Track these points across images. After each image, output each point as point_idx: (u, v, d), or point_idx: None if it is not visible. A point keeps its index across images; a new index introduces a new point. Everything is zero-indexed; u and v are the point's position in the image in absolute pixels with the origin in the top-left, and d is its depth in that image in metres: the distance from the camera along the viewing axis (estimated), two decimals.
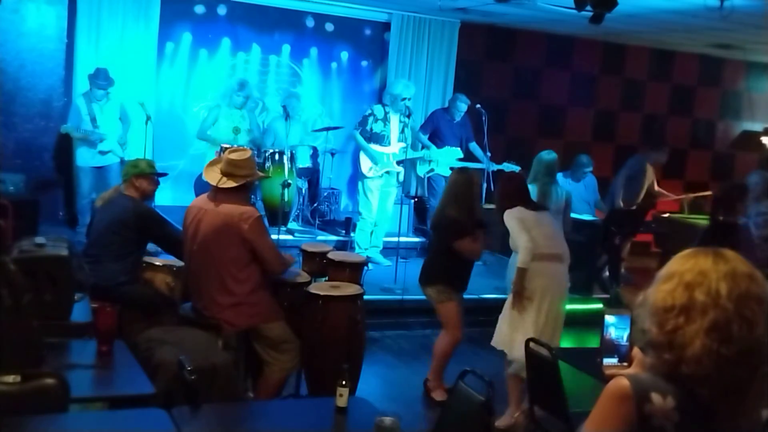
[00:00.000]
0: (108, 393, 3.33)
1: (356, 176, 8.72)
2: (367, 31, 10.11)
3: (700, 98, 12.09)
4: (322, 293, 4.59)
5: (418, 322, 6.78)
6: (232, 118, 8.46)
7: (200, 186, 7.72)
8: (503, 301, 6.47)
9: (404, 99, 8.13)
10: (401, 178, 8.59)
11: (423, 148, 8.88)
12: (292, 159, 8.27)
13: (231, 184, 4.34)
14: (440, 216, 5.37)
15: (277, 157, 8.25)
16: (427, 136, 9.00)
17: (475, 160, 8.79)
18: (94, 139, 7.77)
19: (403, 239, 7.89)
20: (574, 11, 6.74)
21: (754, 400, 1.69)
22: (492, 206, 9.58)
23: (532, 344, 4.21)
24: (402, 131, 8.34)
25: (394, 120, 8.30)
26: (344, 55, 9.98)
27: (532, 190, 6.13)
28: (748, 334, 1.65)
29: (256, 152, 8.16)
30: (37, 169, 8.39)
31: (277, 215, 7.51)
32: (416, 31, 9.82)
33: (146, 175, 5.04)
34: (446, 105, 9.37)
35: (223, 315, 4.29)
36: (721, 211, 6.23)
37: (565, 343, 6.98)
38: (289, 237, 8.12)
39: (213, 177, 4.42)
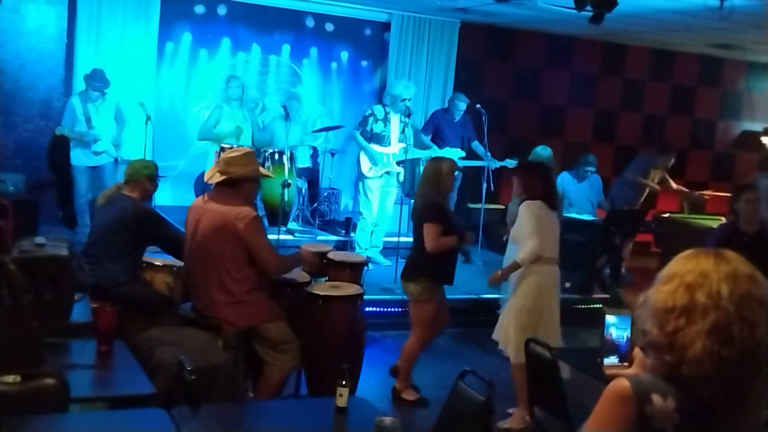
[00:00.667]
0: (108, 393, 3.33)
1: (356, 176, 8.71)
2: (367, 31, 10.11)
3: (700, 98, 12.10)
4: (322, 293, 4.59)
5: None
6: (235, 119, 8.45)
7: (200, 186, 7.71)
8: (503, 300, 6.48)
9: (404, 100, 8.13)
10: (401, 178, 8.59)
11: (425, 148, 8.88)
12: (292, 159, 8.27)
13: (218, 178, 4.35)
14: (416, 201, 5.39)
15: (277, 157, 8.25)
16: (429, 137, 9.02)
17: (478, 158, 8.80)
18: (88, 140, 7.78)
19: (403, 239, 7.87)
20: (574, 11, 6.74)
21: (754, 401, 1.69)
22: (495, 206, 9.63)
23: (532, 344, 4.21)
24: (402, 131, 8.33)
25: (395, 120, 8.30)
26: (344, 55, 9.99)
27: None
28: (749, 336, 1.65)
29: (256, 152, 8.15)
30: (37, 169, 8.39)
31: (277, 215, 7.51)
32: (416, 31, 9.82)
33: (155, 176, 5.08)
34: (446, 105, 9.38)
35: (222, 314, 4.29)
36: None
37: (565, 343, 6.99)
38: (289, 237, 8.12)
39: (208, 175, 4.46)
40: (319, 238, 8.39)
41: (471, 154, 8.91)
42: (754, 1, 6.90)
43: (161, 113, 8.91)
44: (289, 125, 8.40)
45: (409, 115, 8.27)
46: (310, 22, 9.72)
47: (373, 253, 8.27)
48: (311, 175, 8.94)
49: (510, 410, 5.02)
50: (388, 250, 8.43)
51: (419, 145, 9.02)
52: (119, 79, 8.38)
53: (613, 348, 3.89)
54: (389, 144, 8.26)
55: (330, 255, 5.22)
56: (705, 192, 9.92)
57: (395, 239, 7.79)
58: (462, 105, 8.96)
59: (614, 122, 11.59)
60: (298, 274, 4.91)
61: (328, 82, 9.99)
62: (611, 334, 3.89)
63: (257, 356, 4.42)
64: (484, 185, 8.68)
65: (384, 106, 8.36)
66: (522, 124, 10.85)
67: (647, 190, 9.06)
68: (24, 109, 8.32)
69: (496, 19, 9.67)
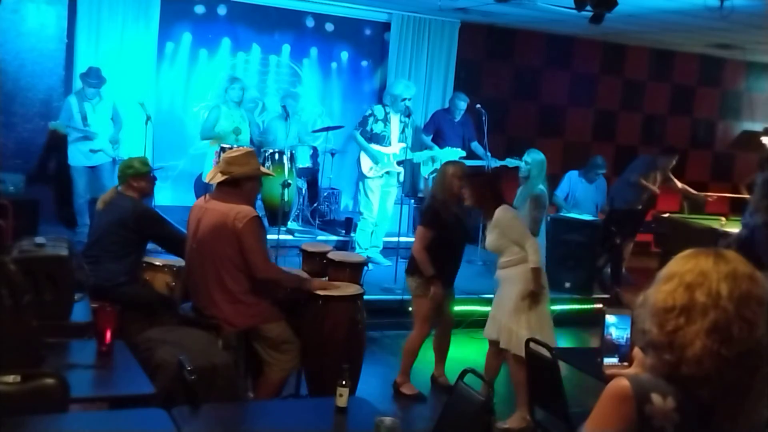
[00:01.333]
0: (108, 393, 3.33)
1: (357, 176, 8.72)
2: (367, 31, 10.11)
3: (700, 98, 12.10)
4: (322, 293, 4.59)
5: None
6: (233, 119, 8.43)
7: (200, 186, 7.72)
8: None
9: (404, 99, 8.14)
10: (401, 178, 8.60)
11: (426, 148, 8.89)
12: (292, 159, 8.27)
13: (219, 178, 4.35)
14: (424, 202, 5.48)
15: (277, 157, 8.25)
16: (430, 137, 9.03)
17: (478, 158, 8.81)
18: (87, 133, 7.75)
19: (403, 239, 7.88)
20: (574, 11, 6.75)
21: (754, 401, 1.69)
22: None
23: (532, 344, 4.21)
24: (402, 131, 8.34)
25: (395, 120, 8.30)
26: (344, 55, 9.99)
27: (526, 192, 6.14)
28: (749, 336, 1.65)
29: (255, 152, 8.15)
30: (37, 169, 8.39)
31: (277, 215, 7.50)
32: (416, 31, 9.83)
33: (142, 174, 5.03)
34: (447, 105, 9.38)
35: (222, 314, 4.29)
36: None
37: (566, 343, 7.00)
38: (289, 237, 8.12)
39: (209, 176, 4.45)
40: (319, 238, 8.39)
41: (471, 154, 8.91)
42: (754, 1, 6.90)
43: (161, 113, 8.92)
44: (289, 125, 8.40)
45: (409, 115, 8.27)
46: (310, 22, 9.72)
47: (373, 253, 8.28)
48: (311, 175, 8.95)
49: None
50: (388, 250, 8.44)
51: (420, 145, 9.03)
52: (119, 79, 8.39)
53: (613, 348, 3.89)
54: (389, 144, 8.27)
55: (330, 255, 5.23)
56: (708, 194, 9.89)
57: (395, 239, 7.80)
58: (462, 104, 8.96)
59: (614, 122, 11.59)
60: (299, 272, 4.91)
61: (328, 82, 10.00)
62: (611, 334, 3.89)
63: (257, 356, 4.42)
64: None
65: (384, 106, 8.37)
66: (522, 124, 10.85)
67: (647, 193, 9.05)
68: (24, 109, 8.33)
69: (496, 19, 9.67)
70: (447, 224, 5.32)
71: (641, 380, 1.71)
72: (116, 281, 4.78)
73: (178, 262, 5.00)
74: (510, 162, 8.64)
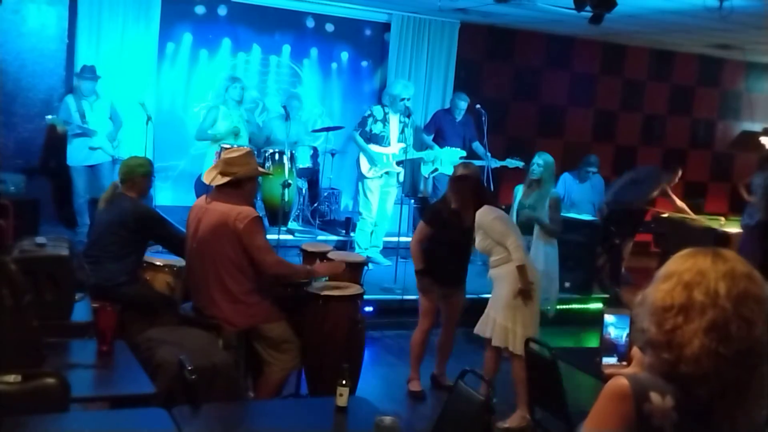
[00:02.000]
0: (108, 393, 3.34)
1: (356, 176, 8.73)
2: (367, 32, 10.12)
3: (699, 98, 12.10)
4: (322, 293, 4.59)
5: (418, 321, 6.80)
6: (232, 119, 8.43)
7: (200, 186, 7.72)
8: None
9: (403, 99, 8.14)
10: (401, 178, 8.60)
11: (426, 148, 8.90)
12: (292, 159, 8.28)
13: (220, 180, 4.35)
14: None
15: (277, 157, 8.26)
16: (431, 137, 9.03)
17: (478, 158, 8.81)
18: (85, 130, 7.73)
19: (403, 239, 7.88)
20: (574, 11, 6.75)
21: (753, 399, 1.70)
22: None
23: (531, 344, 4.22)
24: (402, 132, 8.34)
25: (394, 121, 8.31)
26: (344, 56, 9.99)
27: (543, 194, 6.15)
28: (747, 334, 1.65)
29: (256, 152, 8.16)
30: (38, 169, 8.39)
31: (277, 215, 7.51)
32: (416, 31, 9.83)
33: (142, 174, 5.04)
34: (447, 105, 9.39)
35: (222, 314, 4.30)
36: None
37: (565, 343, 7.01)
38: (290, 237, 8.12)
39: (209, 177, 4.45)
40: (319, 238, 8.40)
41: (472, 154, 8.92)
42: (754, 2, 6.90)
43: (162, 113, 8.92)
44: (289, 125, 8.41)
45: (409, 115, 8.28)
46: (310, 23, 9.72)
47: (373, 253, 8.28)
48: (311, 175, 8.95)
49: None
50: (388, 250, 8.45)
51: (420, 145, 9.03)
52: (120, 79, 8.40)
53: (611, 347, 3.90)
54: (388, 144, 8.27)
55: (330, 255, 5.24)
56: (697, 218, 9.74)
57: (395, 239, 7.81)
58: (463, 104, 8.97)
59: (614, 122, 11.59)
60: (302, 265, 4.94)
61: (328, 82, 10.00)
62: (610, 334, 3.90)
63: (257, 356, 4.42)
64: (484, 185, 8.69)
65: (383, 106, 8.37)
66: (522, 124, 10.86)
67: (643, 200, 9.03)
68: (24, 109, 8.33)
69: (496, 20, 9.67)
70: (447, 223, 5.35)
71: (640, 379, 1.72)
72: (117, 281, 4.78)
73: (179, 262, 5.01)
74: (510, 162, 8.66)
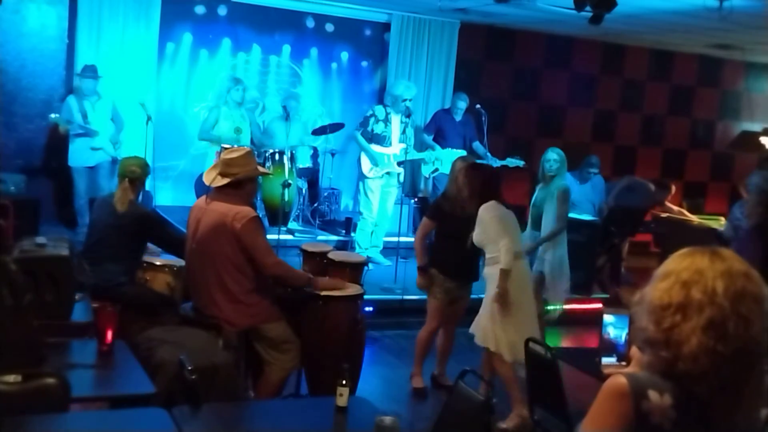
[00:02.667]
0: (108, 393, 3.34)
1: (356, 176, 8.73)
2: (367, 32, 10.12)
3: (699, 98, 12.11)
4: (322, 293, 4.59)
5: (418, 321, 6.78)
6: (233, 119, 8.45)
7: (201, 186, 7.71)
8: None
9: (405, 100, 8.15)
10: (402, 178, 8.61)
11: (427, 148, 8.90)
12: (292, 159, 8.28)
13: (220, 181, 4.35)
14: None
15: (277, 157, 8.27)
16: (431, 137, 9.04)
17: (478, 158, 8.81)
18: (87, 130, 7.72)
19: (403, 239, 7.90)
20: (574, 11, 6.75)
21: (751, 398, 1.70)
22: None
23: (531, 344, 4.22)
24: (403, 132, 8.35)
25: (395, 121, 8.31)
26: (344, 56, 10.00)
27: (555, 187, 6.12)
28: (745, 332, 1.66)
29: (256, 152, 8.17)
30: (38, 169, 8.39)
31: (278, 215, 7.52)
32: (416, 31, 9.83)
33: (145, 174, 5.07)
34: (447, 105, 9.39)
35: (222, 314, 4.30)
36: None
37: (565, 343, 7.01)
38: (290, 237, 8.13)
39: (209, 178, 4.45)
40: (319, 238, 8.40)
41: (472, 154, 8.92)
42: (754, 2, 6.91)
43: (162, 113, 8.92)
44: (289, 125, 8.41)
45: (409, 116, 8.29)
46: (310, 23, 9.73)
47: (373, 253, 8.29)
48: (311, 175, 8.96)
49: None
50: (388, 250, 8.45)
51: (420, 145, 9.04)
52: (120, 80, 8.40)
53: (611, 347, 3.90)
54: (390, 144, 8.28)
55: (330, 255, 5.23)
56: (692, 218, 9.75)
57: (395, 239, 7.81)
58: (462, 104, 8.98)
59: (614, 122, 11.60)
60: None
61: (328, 82, 10.00)
62: (609, 334, 3.91)
63: (257, 356, 4.42)
64: None
65: (385, 106, 8.38)
66: (522, 124, 10.86)
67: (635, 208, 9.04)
68: (25, 109, 8.33)
69: (496, 20, 9.67)
70: (450, 217, 5.37)
71: (638, 377, 1.72)
72: (116, 281, 4.78)
73: (179, 262, 5.01)
74: (510, 162, 8.67)
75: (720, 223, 9.15)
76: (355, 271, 5.14)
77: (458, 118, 9.04)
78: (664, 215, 9.47)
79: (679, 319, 1.68)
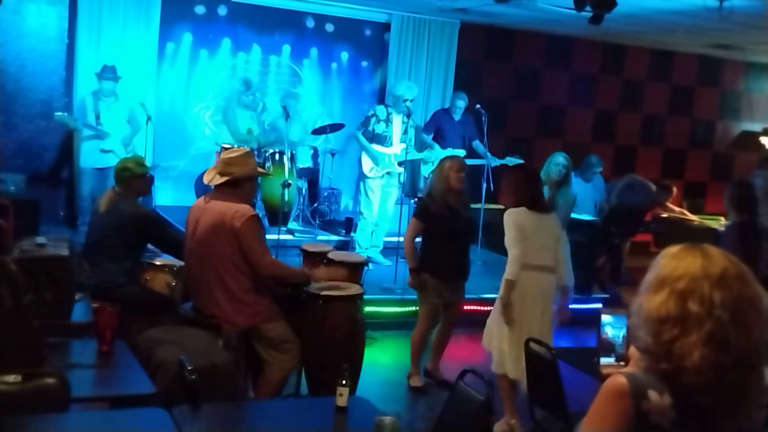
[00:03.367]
0: (108, 393, 3.34)
1: (357, 176, 8.73)
2: (367, 32, 10.12)
3: (699, 98, 12.11)
4: (322, 293, 4.60)
5: (418, 322, 6.81)
6: (245, 119, 8.52)
7: (201, 186, 7.72)
8: None
9: (406, 100, 8.15)
10: (402, 178, 8.61)
11: (426, 148, 8.90)
12: (292, 159, 8.28)
13: (218, 179, 4.37)
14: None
15: (277, 157, 8.27)
16: (431, 137, 9.04)
17: (478, 157, 8.82)
18: (98, 132, 7.69)
19: (403, 239, 7.88)
20: (574, 12, 6.76)
21: (753, 399, 1.70)
22: (495, 206, 9.65)
23: (531, 344, 4.22)
24: (405, 132, 8.35)
25: (397, 121, 8.31)
26: (344, 56, 10.00)
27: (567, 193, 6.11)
28: (746, 340, 1.65)
29: (257, 152, 8.19)
30: (38, 169, 8.40)
31: (278, 215, 7.51)
32: (416, 31, 9.83)
33: (138, 175, 5.03)
34: (447, 105, 9.39)
35: (222, 313, 4.30)
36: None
37: (565, 343, 7.00)
38: (290, 237, 8.13)
39: (208, 177, 4.47)
40: (320, 238, 8.40)
41: (472, 153, 8.93)
42: (754, 2, 6.91)
43: (162, 113, 8.93)
44: (290, 125, 8.42)
45: (408, 116, 8.29)
46: (310, 23, 9.73)
47: (373, 252, 8.29)
48: (311, 175, 8.96)
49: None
50: (388, 250, 8.45)
51: (420, 145, 9.04)
52: (120, 80, 8.39)
53: (609, 347, 3.90)
54: (391, 144, 8.28)
55: (330, 255, 5.24)
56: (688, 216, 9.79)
57: (395, 239, 7.81)
58: (461, 104, 8.97)
59: (614, 122, 11.60)
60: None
61: (328, 82, 10.00)
62: (607, 334, 3.90)
63: (257, 356, 4.43)
64: (484, 185, 8.69)
65: (386, 106, 8.38)
66: (522, 124, 10.86)
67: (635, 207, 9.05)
68: (25, 110, 8.33)
69: (496, 20, 9.67)
70: (438, 217, 5.35)
71: (638, 377, 1.72)
72: (116, 282, 4.78)
73: (179, 262, 5.01)
74: (510, 161, 8.65)
75: (720, 223, 9.15)
76: (355, 271, 5.15)
77: (457, 117, 9.04)
78: (664, 215, 9.48)
79: (678, 333, 1.66)
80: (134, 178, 4.99)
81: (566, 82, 11.15)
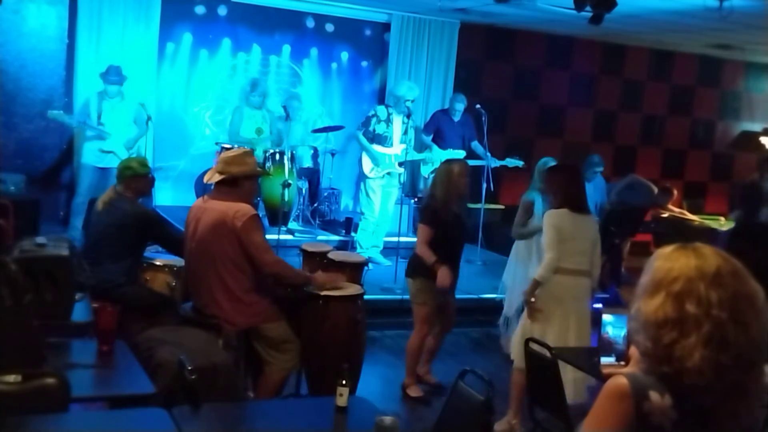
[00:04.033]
0: (108, 393, 3.34)
1: (357, 176, 8.74)
2: (367, 32, 10.12)
3: (699, 98, 12.11)
4: (322, 293, 4.60)
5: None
6: (255, 119, 8.50)
7: (201, 186, 7.73)
8: (502, 300, 6.48)
9: (407, 101, 8.15)
10: (403, 179, 8.61)
11: (426, 149, 8.90)
12: (292, 159, 8.28)
13: (217, 177, 4.37)
14: (422, 200, 5.39)
15: (277, 157, 8.27)
16: (430, 137, 9.04)
17: (477, 158, 8.82)
18: (99, 132, 7.63)
19: (403, 239, 7.89)
20: (574, 12, 6.76)
21: (753, 396, 1.70)
22: (494, 206, 9.65)
23: (531, 344, 4.22)
24: (405, 132, 8.35)
25: (397, 121, 8.32)
26: (344, 56, 10.00)
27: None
28: (744, 337, 1.65)
29: (260, 152, 8.19)
30: (38, 169, 8.40)
31: (278, 215, 7.52)
32: (416, 31, 9.83)
33: (140, 175, 5.04)
34: (446, 105, 9.39)
35: (222, 313, 4.30)
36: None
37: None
38: (290, 237, 8.13)
39: (208, 176, 4.47)
40: (320, 238, 8.40)
41: (471, 154, 8.93)
42: (754, 2, 6.91)
43: (162, 113, 8.93)
44: (290, 125, 8.42)
45: (408, 116, 8.29)
46: (310, 23, 9.73)
47: (373, 253, 8.29)
48: (311, 175, 8.96)
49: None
50: (388, 249, 8.45)
51: (419, 145, 9.04)
52: (125, 80, 8.40)
53: (609, 347, 3.90)
54: (391, 145, 8.28)
55: (330, 255, 5.24)
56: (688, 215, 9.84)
57: (395, 239, 7.81)
58: (460, 106, 8.97)
59: (614, 122, 11.60)
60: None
61: (328, 82, 10.00)
62: (608, 333, 3.90)
63: (257, 356, 4.43)
64: (484, 185, 8.70)
65: (387, 106, 8.38)
66: (522, 124, 10.86)
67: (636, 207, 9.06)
68: (25, 110, 8.33)
69: (495, 20, 9.67)
70: (446, 222, 5.31)
71: (639, 378, 1.72)
72: (116, 282, 4.78)
73: (179, 262, 5.01)
74: (510, 162, 8.67)
75: (720, 223, 9.16)
76: (355, 271, 5.14)
77: (456, 118, 9.05)
78: (664, 215, 9.49)
79: (678, 335, 1.66)
80: (136, 178, 5.00)
81: (566, 82, 11.15)
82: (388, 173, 8.32)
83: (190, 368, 3.20)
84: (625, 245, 8.94)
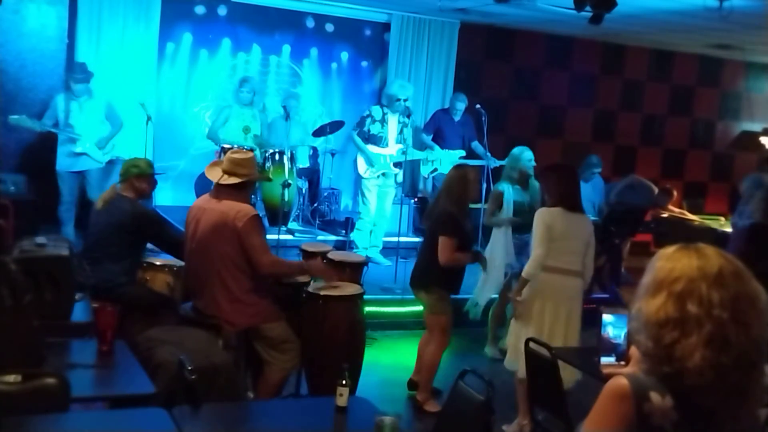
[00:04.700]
0: (108, 393, 3.34)
1: (356, 176, 8.74)
2: (367, 32, 10.12)
3: (699, 98, 12.10)
4: (322, 293, 4.60)
5: (418, 321, 6.80)
6: (243, 118, 8.48)
7: (201, 186, 7.73)
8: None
9: (400, 100, 8.14)
10: (399, 179, 8.61)
11: (426, 148, 8.90)
12: (292, 159, 8.28)
13: (232, 180, 4.37)
14: (432, 208, 5.31)
15: (277, 157, 8.26)
16: (430, 137, 9.04)
17: (477, 158, 8.82)
18: (65, 137, 7.41)
19: (403, 239, 7.90)
20: (574, 12, 6.75)
21: (754, 397, 1.70)
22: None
23: (531, 344, 4.22)
24: (400, 132, 8.34)
25: (392, 121, 8.31)
26: (344, 56, 10.00)
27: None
28: (745, 338, 1.65)
29: (258, 153, 8.19)
30: (26, 171, 8.31)
31: (277, 215, 7.51)
32: (416, 31, 9.83)
33: (146, 175, 5.04)
34: (447, 105, 9.40)
35: (223, 313, 4.30)
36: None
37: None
38: (289, 237, 8.13)
39: (215, 174, 4.45)
40: (319, 238, 8.40)
41: (471, 154, 8.93)
42: (754, 2, 6.90)
43: (162, 114, 8.92)
44: (289, 125, 8.41)
45: (409, 116, 8.28)
46: (310, 23, 9.73)
47: (372, 252, 8.29)
48: (311, 175, 8.96)
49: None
50: (387, 249, 8.45)
51: (420, 145, 9.04)
52: (120, 80, 8.40)
53: (610, 347, 3.90)
54: (386, 145, 8.28)
55: (330, 255, 5.24)
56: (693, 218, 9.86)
57: (395, 239, 7.81)
58: (461, 105, 8.98)
59: (614, 122, 11.59)
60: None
61: (328, 82, 10.00)
62: (608, 333, 3.90)
63: (257, 356, 4.43)
64: (484, 185, 8.70)
65: (382, 106, 8.38)
66: (522, 124, 10.85)
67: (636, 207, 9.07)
68: (25, 110, 8.28)
69: (495, 20, 9.67)
70: (463, 231, 5.18)
71: (640, 379, 1.72)
72: (116, 281, 4.78)
73: (179, 262, 5.01)
74: None
75: (720, 223, 9.16)
76: (355, 271, 5.15)
77: (457, 118, 9.05)
78: (664, 215, 9.48)
79: (678, 335, 1.66)
80: (140, 177, 4.99)
81: (566, 82, 11.15)
82: (383, 174, 8.31)
83: (190, 368, 3.20)
84: (625, 245, 8.94)
